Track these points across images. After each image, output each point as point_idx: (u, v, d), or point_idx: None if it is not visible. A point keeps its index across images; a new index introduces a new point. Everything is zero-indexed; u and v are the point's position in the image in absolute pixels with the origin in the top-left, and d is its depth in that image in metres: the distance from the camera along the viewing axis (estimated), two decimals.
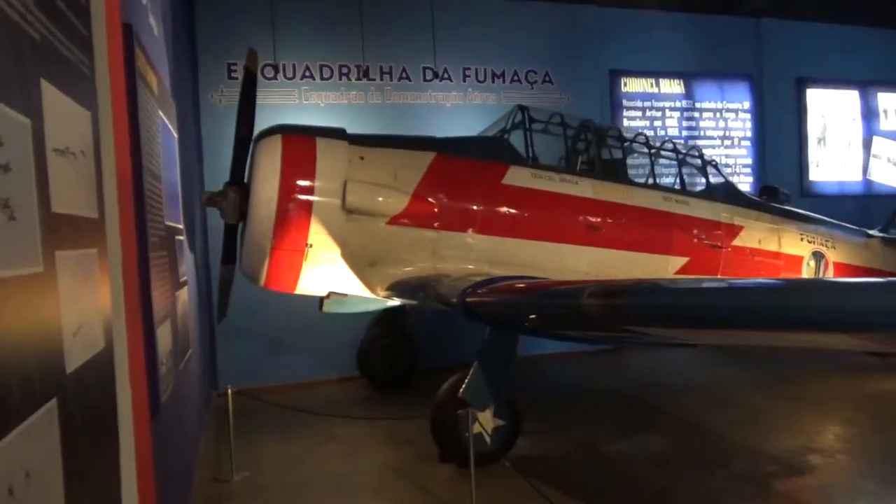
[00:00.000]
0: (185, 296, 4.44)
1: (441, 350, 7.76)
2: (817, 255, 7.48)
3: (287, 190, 5.35)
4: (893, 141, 11.40)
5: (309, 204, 5.42)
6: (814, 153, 10.85)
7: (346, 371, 8.04)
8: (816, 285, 3.18)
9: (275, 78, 8.12)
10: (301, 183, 5.41)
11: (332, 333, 7.75)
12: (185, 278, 4.52)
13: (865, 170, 11.22)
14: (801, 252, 7.38)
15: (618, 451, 5.50)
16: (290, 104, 8.18)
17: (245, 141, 5.54)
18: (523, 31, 9.11)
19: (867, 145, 11.23)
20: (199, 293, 6.37)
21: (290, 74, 8.21)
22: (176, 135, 4.69)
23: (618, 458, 5.34)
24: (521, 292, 4.51)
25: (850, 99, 11.08)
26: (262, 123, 5.69)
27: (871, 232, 8.18)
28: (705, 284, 3.73)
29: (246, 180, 5.52)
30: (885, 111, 11.34)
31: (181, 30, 6.52)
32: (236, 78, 7.67)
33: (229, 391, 5.29)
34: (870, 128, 11.24)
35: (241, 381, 6.73)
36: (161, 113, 3.86)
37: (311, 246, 5.47)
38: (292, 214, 5.37)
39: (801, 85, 10.74)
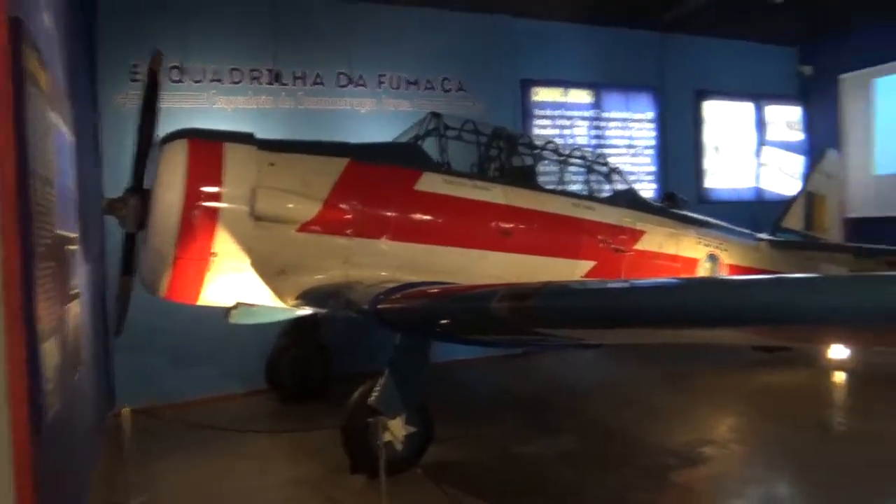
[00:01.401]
0: (76, 308, 4.21)
1: (356, 358, 7.66)
2: (712, 258, 7.91)
3: (191, 196, 5.17)
4: (782, 150, 12.25)
5: (215, 211, 5.26)
6: (710, 162, 11.51)
7: (254, 384, 7.79)
8: (708, 284, 3.37)
9: (181, 81, 7.84)
10: (206, 189, 5.24)
11: (238, 345, 7.45)
12: (76, 290, 4.28)
13: (756, 178, 12.00)
14: (697, 255, 7.79)
15: (527, 452, 5.62)
16: (197, 108, 7.91)
17: (147, 145, 5.31)
18: (438, 40, 9.19)
19: (758, 155, 12.01)
20: (95, 306, 6.04)
21: (197, 77, 7.94)
22: (71, 138, 4.46)
23: (527, 460, 5.45)
24: (432, 298, 4.53)
25: (742, 111, 11.82)
26: (167, 128, 5.47)
27: (760, 236, 8.74)
28: (609, 286, 3.87)
29: (148, 186, 5.30)
30: (775, 122, 12.17)
31: (80, 27, 6.20)
32: (140, 80, 7.34)
33: (124, 410, 5.02)
34: (761, 138, 12.02)
35: (141, 398, 6.50)
36: (53, 114, 3.66)
37: (216, 255, 5.31)
38: (197, 222, 5.19)
39: (700, 97, 11.37)
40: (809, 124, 12.41)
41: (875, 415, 6.21)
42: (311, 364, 7.66)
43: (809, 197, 9.54)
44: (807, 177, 9.96)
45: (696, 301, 2.85)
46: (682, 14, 9.86)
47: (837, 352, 8.42)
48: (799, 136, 12.39)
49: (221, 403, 7.58)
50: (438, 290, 4.55)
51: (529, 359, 9.24)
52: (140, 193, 5.29)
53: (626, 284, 4.15)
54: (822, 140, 11.69)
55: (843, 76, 11.69)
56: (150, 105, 5.21)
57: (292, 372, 7.60)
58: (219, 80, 8.03)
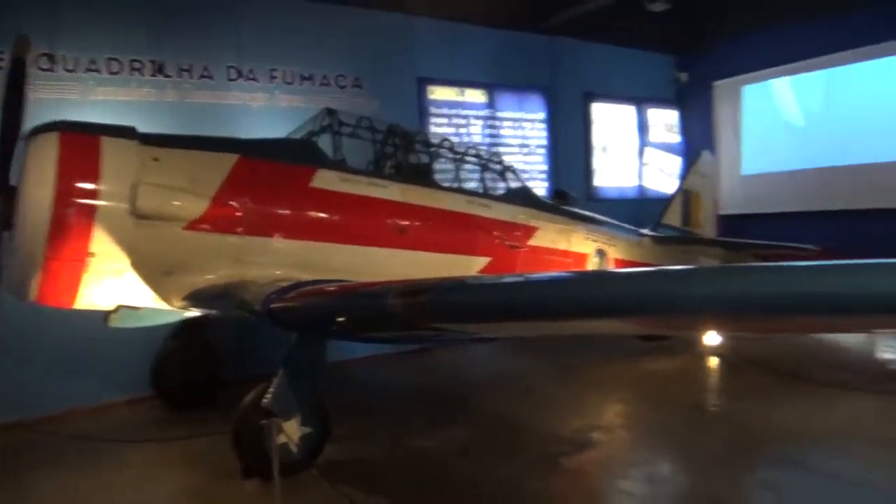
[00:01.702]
0: None
1: (249, 360, 7.38)
2: (600, 253, 8.30)
3: (64, 194, 4.82)
4: (662, 151, 13.04)
5: (91, 209, 4.92)
6: (598, 161, 12.07)
7: (139, 391, 7.36)
8: (593, 278, 3.55)
9: (52, 70, 7.28)
10: (82, 186, 4.90)
11: (120, 350, 7.00)
12: None
13: (640, 176, 12.71)
14: (586, 250, 8.14)
15: (425, 447, 5.68)
16: (71, 100, 7.35)
17: (11, 138, 4.89)
18: (333, 36, 9.06)
19: (641, 155, 12.73)
20: None
21: (70, 66, 7.39)
22: None
23: (425, 454, 5.51)
24: (327, 296, 4.49)
25: (626, 113, 12.48)
26: (37, 121, 5.05)
27: (643, 231, 9.26)
28: (501, 281, 3.97)
29: (15, 183, 4.89)
30: (655, 125, 12.94)
31: None
32: (2, 67, 6.75)
33: None
34: (643, 139, 12.75)
35: (11, 412, 6.01)
36: None
37: (93, 255, 4.98)
38: (71, 221, 4.84)
39: (588, 99, 11.89)
40: (686, 127, 13.30)
41: (742, 396, 6.75)
42: (199, 368, 7.31)
43: (686, 195, 10.22)
44: (683, 176, 10.65)
45: (582, 294, 2.99)
46: (569, 18, 10.27)
47: (711, 339, 9.07)
48: (676, 138, 13.25)
49: (103, 413, 7.12)
50: (333, 289, 4.51)
51: (427, 355, 9.30)
52: (5, 191, 4.88)
53: (517, 279, 4.28)
54: (697, 142, 12.54)
55: (716, 83, 12.62)
56: (14, 95, 4.82)
57: (180, 376, 7.23)
58: (96, 70, 7.51)
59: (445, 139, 7.76)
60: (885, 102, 10.43)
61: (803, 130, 11.68)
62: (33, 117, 5.08)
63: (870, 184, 10.48)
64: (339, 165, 6.32)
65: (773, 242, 8.76)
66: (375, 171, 6.65)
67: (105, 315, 5.66)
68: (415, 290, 3.62)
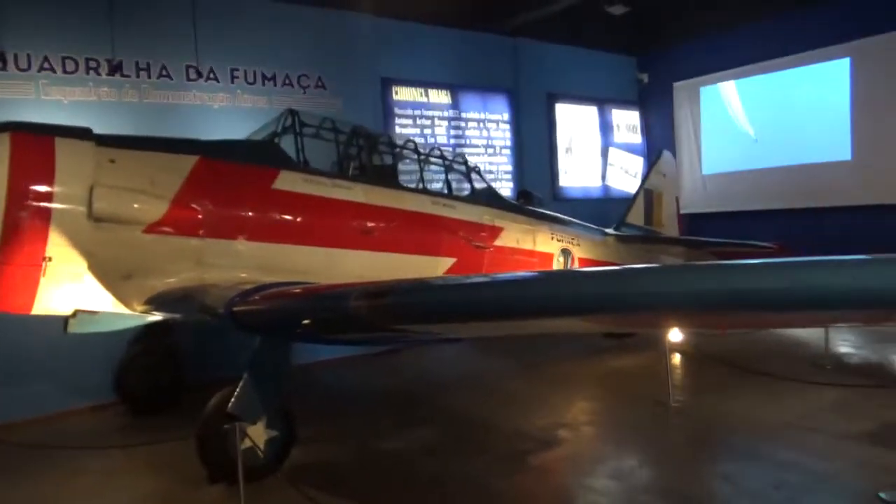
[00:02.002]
0: None
1: (213, 364, 7.27)
2: (565, 252, 8.40)
3: (17, 196, 4.71)
4: (625, 152, 13.25)
5: (46, 212, 4.82)
6: (563, 161, 12.21)
7: (100, 397, 7.21)
8: (551, 277, 3.59)
9: (3, 68, 7.08)
10: (35, 188, 4.80)
11: (81, 356, 6.86)
12: None
13: (604, 176, 12.89)
14: (551, 250, 8.23)
15: (391, 447, 5.68)
16: (24, 100, 7.16)
17: None
18: (295, 35, 8.98)
19: (604, 155, 12.91)
20: None
21: (23, 65, 7.20)
22: None
23: (391, 455, 5.51)
24: (290, 298, 4.45)
25: (589, 114, 12.65)
26: None
27: (607, 231, 9.39)
28: (461, 281, 3.99)
29: None
30: (618, 125, 13.15)
31: None
32: None
33: None
34: (606, 140, 12.93)
35: None
36: None
37: (49, 259, 4.87)
38: (25, 224, 4.74)
39: (551, 100, 12.02)
40: (648, 128, 13.54)
41: (704, 391, 6.91)
42: (162, 373, 7.20)
43: (648, 194, 10.39)
44: (645, 176, 10.82)
45: (541, 294, 3.02)
46: (532, 20, 10.36)
47: (674, 336, 9.23)
48: (639, 138, 13.48)
49: (64, 420, 6.97)
50: (297, 291, 4.47)
51: (394, 356, 9.28)
52: None
53: (477, 280, 4.29)
54: (659, 143, 12.80)
55: (676, 84, 12.87)
56: None
57: (143, 382, 7.11)
58: (50, 69, 7.33)
59: (409, 140, 7.76)
60: (832, 104, 10.79)
61: (757, 131, 12.01)
62: None
63: (821, 183, 10.83)
64: (302, 167, 6.28)
65: (733, 241, 8.95)
66: (339, 172, 6.63)
67: (64, 320, 5.53)
68: (377, 292, 3.62)
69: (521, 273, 5.31)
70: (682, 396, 6.66)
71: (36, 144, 4.87)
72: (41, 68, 7.29)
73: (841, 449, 5.08)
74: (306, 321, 4.31)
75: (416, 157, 7.54)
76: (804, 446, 5.19)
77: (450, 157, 7.92)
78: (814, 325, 7.69)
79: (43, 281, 4.95)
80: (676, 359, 8.45)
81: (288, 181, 6.04)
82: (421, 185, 7.35)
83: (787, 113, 11.40)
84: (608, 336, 9.33)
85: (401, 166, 7.48)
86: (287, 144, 6.38)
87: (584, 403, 6.77)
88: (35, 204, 4.78)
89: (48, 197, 4.84)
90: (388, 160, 7.32)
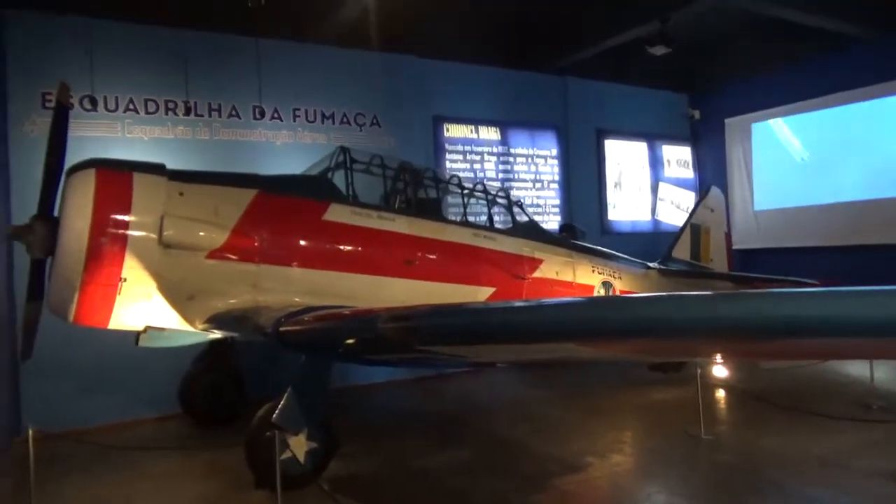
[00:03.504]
0: None
1: (272, 382, 7.79)
2: (606, 285, 8.58)
3: (100, 224, 5.34)
4: (675, 186, 13.31)
5: (123, 238, 5.44)
6: (611, 196, 12.39)
7: (167, 408, 7.86)
8: (558, 304, 3.85)
9: (94, 110, 7.96)
10: (115, 217, 5.43)
11: (151, 370, 7.56)
12: None
13: (653, 211, 12.97)
14: (592, 282, 8.43)
15: (425, 465, 5.99)
16: (111, 137, 8.04)
17: (55, 174, 5.48)
18: (352, 77, 9.65)
19: (654, 190, 13.01)
20: (0, 331, 6.07)
21: (111, 107, 8.09)
22: None
23: (424, 471, 5.83)
24: (328, 320, 4.88)
25: (639, 149, 12.82)
26: (78, 156, 5.65)
27: (650, 264, 9.51)
28: (478, 307, 4.31)
29: (57, 214, 5.45)
30: (668, 161, 13.24)
31: None
32: (51, 108, 7.44)
33: (30, 432, 5.09)
34: (656, 175, 13.04)
35: (50, 424, 6.47)
36: None
37: (125, 280, 5.48)
38: (105, 249, 5.36)
39: (600, 136, 12.28)
40: (700, 163, 13.56)
41: (738, 425, 6.93)
42: (224, 388, 7.79)
43: (695, 229, 10.44)
44: (692, 211, 10.88)
45: (546, 318, 3.33)
46: (579, 60, 10.71)
47: (719, 371, 9.23)
48: (690, 174, 13.51)
49: (133, 428, 7.64)
50: (333, 314, 4.90)
51: (442, 380, 9.64)
52: (48, 220, 5.44)
53: (490, 306, 4.60)
54: (711, 178, 12.82)
55: (728, 120, 12.90)
56: (57, 135, 5.41)
57: (205, 396, 7.72)
58: (134, 110, 8.19)
59: (454, 175, 8.19)
60: (885, 140, 10.62)
61: (810, 167, 11.87)
62: (78, 154, 5.70)
63: (874, 220, 10.61)
64: (351, 200, 6.77)
65: (775, 276, 8.93)
66: (385, 205, 7.09)
67: (135, 335, 6.16)
68: (402, 316, 4.00)
69: (530, 300, 5.58)
70: (716, 430, 6.69)
71: (117, 179, 5.53)
72: (126, 109, 8.16)
73: (871, 488, 5.07)
74: (342, 341, 4.72)
75: (459, 191, 7.96)
76: (834, 484, 5.19)
77: (493, 192, 8.29)
78: (844, 358, 7.58)
79: (118, 299, 5.55)
80: (718, 393, 8.44)
81: (337, 213, 6.53)
82: (463, 218, 7.75)
83: (840, 149, 11.27)
84: (654, 369, 9.38)
85: (445, 200, 7.88)
86: (339, 179, 6.90)
87: (616, 433, 6.89)
88: (114, 231, 5.41)
89: (125, 225, 5.46)
90: (433, 194, 7.73)
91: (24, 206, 6.51)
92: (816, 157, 11.76)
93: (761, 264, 11.61)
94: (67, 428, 6.88)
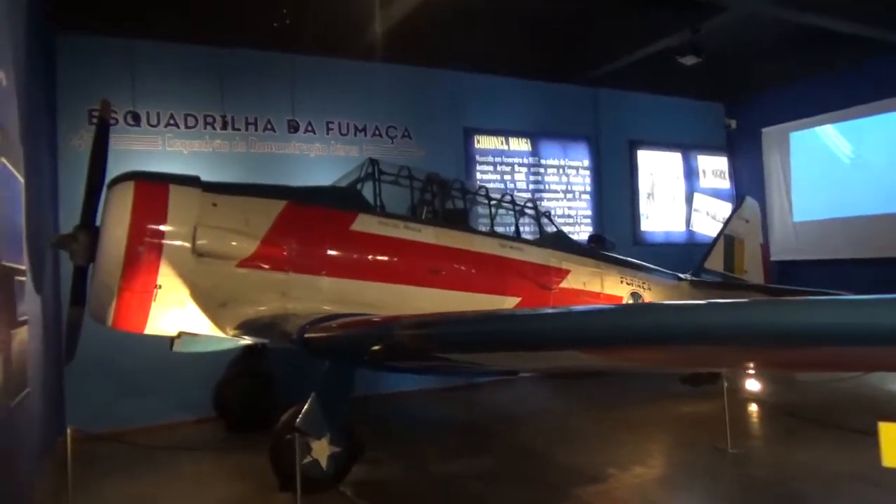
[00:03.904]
0: (23, 335, 4.60)
1: (307, 386, 7.99)
2: (635, 295, 8.53)
3: (137, 233, 5.61)
4: (711, 197, 13.13)
5: (159, 247, 5.70)
6: (644, 206, 12.30)
7: (202, 412, 8.12)
8: (558, 313, 3.88)
9: (137, 125, 8.34)
10: (151, 227, 5.69)
11: (187, 374, 7.81)
12: (24, 317, 4.68)
13: (688, 222, 12.82)
14: (620, 293, 8.40)
15: (448, 471, 6.09)
16: (153, 151, 8.41)
17: (97, 186, 5.78)
18: (383, 90, 9.88)
19: (689, 200, 12.86)
20: (47, 335, 6.39)
21: (153, 122, 8.46)
22: (22, 179, 4.91)
23: (447, 477, 5.93)
24: (350, 327, 5.02)
25: (673, 160, 12.70)
26: (122, 168, 5.96)
27: (682, 276, 9.41)
28: (487, 315, 4.37)
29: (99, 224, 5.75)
30: (704, 171, 13.08)
31: (38, 75, 6.68)
32: (95, 124, 7.82)
33: (68, 431, 5.35)
34: (691, 185, 12.90)
35: (92, 424, 6.74)
36: (3, 159, 4.12)
37: (160, 287, 5.73)
38: (142, 257, 5.63)
39: (633, 146, 12.22)
40: (736, 173, 13.34)
41: (766, 439, 6.81)
42: (257, 392, 8.00)
43: (728, 240, 10.29)
44: (726, 222, 10.72)
45: (550, 326, 3.39)
46: (611, 70, 10.71)
47: (752, 384, 9.07)
48: (726, 184, 13.31)
49: (172, 430, 7.92)
50: (355, 321, 5.04)
51: (472, 390, 9.70)
52: (90, 230, 5.74)
53: (502, 314, 4.65)
54: (747, 188, 12.60)
55: (764, 130, 12.68)
56: (99, 149, 5.72)
57: (239, 400, 7.94)
58: (174, 125, 8.55)
59: (482, 186, 8.29)
60: None
61: (851, 177, 11.57)
62: (122, 166, 6.01)
63: None
64: (378, 210, 6.92)
65: (813, 289, 8.73)
66: (413, 215, 7.23)
67: (170, 341, 6.41)
68: (418, 323, 4.11)
69: (535, 309, 5.59)
70: (744, 444, 6.59)
71: (154, 191, 5.80)
72: (167, 124, 8.53)
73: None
74: (362, 348, 4.85)
75: (487, 202, 8.04)
76: (863, 500, 5.08)
77: (520, 203, 8.36)
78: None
79: (154, 305, 5.81)
80: (750, 407, 8.29)
81: (364, 223, 6.70)
82: (490, 229, 7.83)
83: (883, 158, 10.96)
84: (686, 381, 9.25)
85: (473, 211, 7.98)
86: (367, 190, 7.07)
87: (642, 445, 6.84)
88: (150, 240, 5.68)
89: (161, 235, 5.73)
90: (460, 205, 7.84)
91: (71, 215, 6.85)
92: (857, 166, 11.46)
93: (800, 276, 11.37)
94: (109, 429, 7.16)
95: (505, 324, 3.61)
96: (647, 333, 2.85)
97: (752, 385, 9.07)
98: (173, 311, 5.93)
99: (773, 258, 12.01)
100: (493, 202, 8.08)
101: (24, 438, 4.86)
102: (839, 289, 8.75)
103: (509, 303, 7.45)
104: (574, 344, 3.18)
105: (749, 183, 12.88)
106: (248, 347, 7.62)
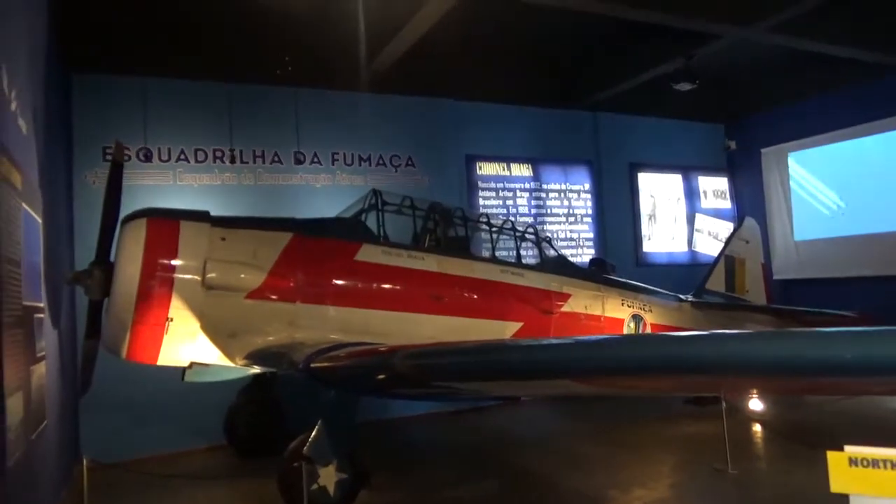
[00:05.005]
0: (41, 370, 4.81)
1: (315, 413, 8.14)
2: (636, 318, 8.67)
3: (149, 269, 5.84)
4: (712, 217, 13.27)
5: (170, 281, 5.92)
6: (646, 228, 12.46)
7: (214, 439, 8.29)
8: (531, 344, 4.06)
9: (149, 161, 8.63)
10: (163, 262, 5.92)
11: (199, 403, 7.97)
12: (42, 353, 4.89)
13: (690, 242, 12.95)
14: (622, 315, 8.53)
15: (451, 496, 6.22)
16: (164, 185, 8.69)
17: (111, 223, 6.03)
18: (387, 120, 10.15)
19: (691, 221, 13.01)
20: (63, 368, 6.60)
21: (164, 157, 8.75)
22: (40, 220, 5.15)
23: (451, 502, 6.05)
24: (353, 357, 5.20)
25: (674, 181, 12.88)
26: (136, 203, 6.25)
27: (683, 297, 9.53)
28: (483, 345, 4.56)
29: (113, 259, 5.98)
30: (705, 192, 13.23)
31: (56, 116, 6.98)
32: (109, 160, 8.11)
33: (84, 461, 5.53)
34: (692, 206, 13.05)
35: (107, 454, 6.93)
36: (25, 205, 4.37)
37: (171, 320, 5.94)
38: (154, 291, 5.85)
39: (633, 169, 12.41)
40: (737, 194, 13.49)
41: (766, 460, 6.90)
42: (266, 420, 8.16)
43: (729, 261, 10.41)
44: (726, 243, 10.85)
45: (539, 358, 3.57)
46: (609, 96, 10.94)
47: (756, 405, 9.14)
48: (728, 204, 13.45)
49: (184, 458, 8.08)
50: (359, 350, 5.22)
51: (477, 414, 9.81)
52: (104, 265, 5.97)
53: (494, 344, 4.83)
54: (749, 209, 12.74)
55: (764, 150, 12.84)
56: (113, 189, 5.98)
57: (248, 428, 8.12)
58: (185, 160, 8.84)
59: (483, 214, 8.49)
60: None
61: (851, 195, 11.69)
62: (137, 201, 6.27)
63: None
64: (382, 240, 7.13)
65: (812, 309, 8.85)
66: (415, 244, 7.43)
67: (182, 371, 6.61)
68: (416, 354, 4.30)
69: (527, 340, 5.75)
70: (744, 465, 6.68)
71: (165, 227, 6.04)
72: (178, 159, 8.81)
73: None
74: (365, 377, 5.03)
75: (488, 229, 8.24)
76: None
77: (521, 229, 8.55)
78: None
79: (166, 337, 6.01)
80: (754, 428, 8.37)
81: (368, 253, 6.89)
82: (492, 255, 8.00)
83: (881, 179, 11.10)
84: (690, 402, 9.34)
85: (474, 238, 8.17)
86: (371, 220, 7.28)
87: (642, 466, 6.94)
88: (162, 275, 5.90)
89: (172, 269, 5.95)
90: (462, 232, 8.03)
91: (87, 249, 7.10)
92: (857, 185, 11.58)
93: (802, 295, 11.45)
94: (123, 458, 7.34)
95: (497, 355, 3.78)
96: (628, 364, 3.03)
97: (755, 405, 9.13)
98: (185, 343, 6.12)
99: (775, 277, 12.12)
100: (494, 229, 8.27)
101: (44, 468, 5.05)
102: (842, 308, 8.86)
103: (511, 327, 7.60)
104: (561, 374, 3.36)
105: (750, 203, 13.03)
106: (257, 376, 7.80)
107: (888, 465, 2.10)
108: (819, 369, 2.69)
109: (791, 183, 12.51)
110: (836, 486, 2.16)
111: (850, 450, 2.19)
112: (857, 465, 2.16)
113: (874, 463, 2.15)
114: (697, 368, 2.92)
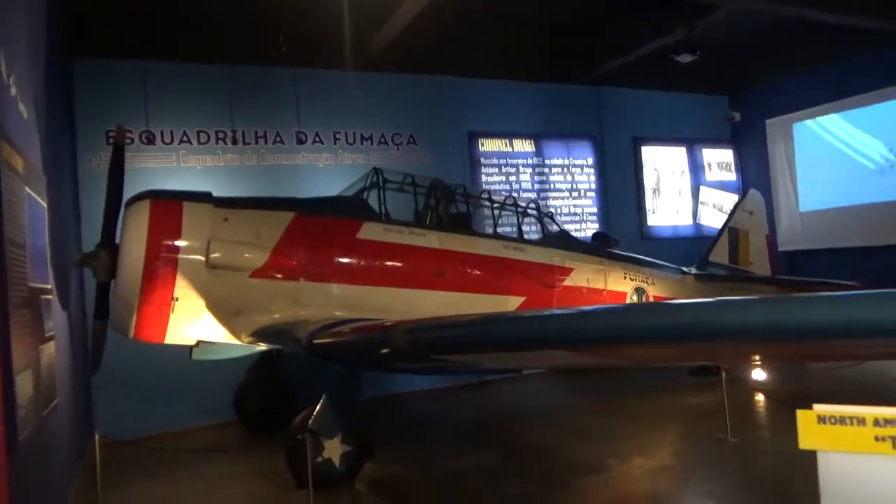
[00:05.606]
0: (50, 349, 4.92)
1: (322, 390, 8.27)
2: (639, 291, 8.72)
3: (154, 250, 5.94)
4: (717, 190, 13.22)
5: (174, 262, 6.02)
6: (650, 202, 12.44)
7: (224, 416, 8.46)
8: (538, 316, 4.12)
9: (152, 143, 8.70)
10: (167, 243, 6.02)
11: (209, 380, 8.13)
12: (51, 333, 5.00)
13: (695, 215, 12.93)
14: (624, 288, 8.59)
15: (453, 467, 6.35)
16: (168, 167, 8.77)
17: (115, 206, 6.13)
18: (387, 99, 10.15)
19: (695, 194, 12.97)
20: (73, 348, 6.74)
21: (167, 140, 8.82)
22: (44, 203, 5.24)
23: (451, 473, 6.19)
24: (355, 333, 5.30)
25: (678, 154, 12.82)
26: (140, 186, 6.32)
27: (686, 269, 9.56)
28: (477, 318, 4.60)
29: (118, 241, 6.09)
30: (710, 164, 13.17)
31: (58, 101, 7.04)
32: (111, 143, 8.18)
33: (96, 438, 5.68)
34: (697, 179, 13.00)
35: (120, 431, 7.10)
36: (28, 189, 4.45)
37: (177, 299, 6.05)
38: (159, 272, 5.95)
39: (637, 143, 12.36)
40: (742, 165, 13.41)
41: (768, 429, 6.97)
42: (274, 395, 8.30)
43: (733, 232, 10.41)
44: (730, 215, 10.84)
45: (530, 329, 3.64)
46: (610, 70, 10.87)
47: (759, 374, 9.20)
48: (732, 176, 13.39)
49: (195, 434, 8.27)
50: (360, 326, 5.31)
51: (482, 388, 9.94)
52: (110, 247, 6.08)
53: (486, 317, 4.84)
54: (754, 180, 12.68)
55: (768, 121, 12.74)
56: (116, 171, 6.06)
57: (258, 403, 8.27)
58: (187, 142, 8.90)
59: (485, 190, 8.52)
60: None
61: (855, 166, 11.61)
62: (141, 184, 6.34)
63: None
64: (384, 218, 7.19)
65: (813, 279, 8.87)
66: (417, 221, 7.48)
67: (189, 349, 6.74)
68: (414, 328, 4.38)
69: (520, 312, 5.80)
70: (746, 434, 6.76)
71: (169, 208, 6.12)
72: (181, 141, 8.87)
73: None
74: (366, 352, 5.13)
75: (490, 205, 8.28)
76: None
77: (523, 204, 8.58)
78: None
79: (172, 316, 6.14)
80: (756, 398, 8.44)
81: (370, 231, 6.96)
82: (493, 231, 8.06)
83: (884, 147, 11.01)
84: (694, 373, 9.40)
85: (476, 214, 8.22)
86: (373, 199, 7.34)
87: (643, 437, 7.04)
88: (166, 255, 6.00)
89: (176, 250, 6.05)
90: (464, 209, 8.08)
91: (92, 231, 7.21)
92: (861, 155, 11.50)
93: (808, 266, 11.45)
94: (135, 435, 7.51)
95: (490, 327, 3.85)
96: (619, 333, 3.09)
97: (758, 375, 9.19)
98: (191, 322, 6.24)
99: (780, 248, 12.10)
100: (495, 205, 8.31)
101: (56, 445, 5.19)
102: (847, 278, 8.87)
103: (513, 302, 7.68)
104: (554, 344, 3.43)
105: (755, 174, 12.97)
106: (264, 353, 7.92)
107: (854, 421, 2.16)
108: (811, 333, 2.74)
109: (796, 154, 12.43)
110: (804, 443, 2.24)
111: (819, 408, 2.25)
112: (825, 423, 2.22)
113: (841, 420, 2.21)
114: (689, 335, 2.98)
